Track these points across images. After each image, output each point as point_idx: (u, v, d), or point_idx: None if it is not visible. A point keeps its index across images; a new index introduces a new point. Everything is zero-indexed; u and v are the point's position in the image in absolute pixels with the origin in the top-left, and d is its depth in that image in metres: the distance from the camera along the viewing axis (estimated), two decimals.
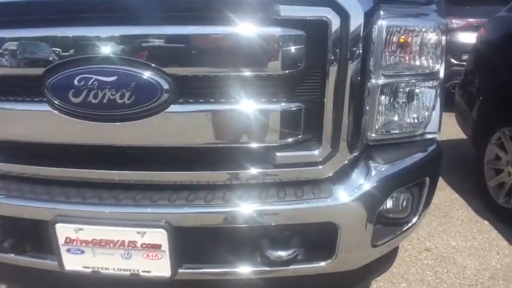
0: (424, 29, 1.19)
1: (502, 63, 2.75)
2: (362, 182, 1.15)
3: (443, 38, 1.23)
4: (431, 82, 1.27)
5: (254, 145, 1.10)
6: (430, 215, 2.77)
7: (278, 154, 1.11)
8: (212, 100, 1.07)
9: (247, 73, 1.04)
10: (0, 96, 1.13)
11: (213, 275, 1.19)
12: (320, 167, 1.13)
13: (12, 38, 1.05)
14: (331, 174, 1.15)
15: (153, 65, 1.01)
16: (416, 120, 1.29)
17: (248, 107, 1.06)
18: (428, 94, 1.28)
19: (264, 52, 1.01)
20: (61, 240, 1.13)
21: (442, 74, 1.30)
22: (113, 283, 1.23)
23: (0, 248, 1.26)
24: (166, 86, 1.03)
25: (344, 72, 1.04)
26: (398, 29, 1.16)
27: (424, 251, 2.37)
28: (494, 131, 2.73)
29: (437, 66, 1.26)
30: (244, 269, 1.16)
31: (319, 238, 1.17)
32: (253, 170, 1.12)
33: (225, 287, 1.25)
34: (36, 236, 1.19)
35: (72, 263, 1.16)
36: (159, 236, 1.09)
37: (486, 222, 2.66)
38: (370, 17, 1.07)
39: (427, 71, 1.25)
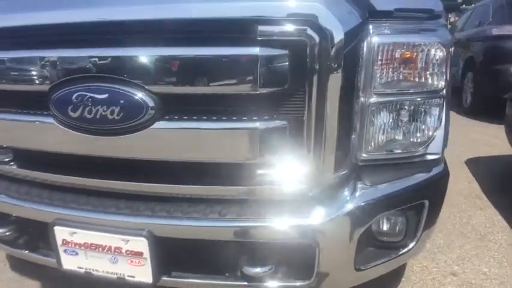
0: (421, 46, 1.14)
1: None
2: (344, 203, 1.12)
3: (444, 54, 1.17)
4: (430, 101, 1.21)
5: (234, 162, 1.12)
6: (464, 236, 2.59)
7: (258, 171, 1.12)
8: (195, 118, 1.11)
9: (228, 92, 1.06)
10: (16, 109, 1.27)
11: (194, 285, 1.22)
12: (301, 186, 1.12)
13: (23, 58, 1.18)
14: (315, 194, 1.14)
15: (139, 84, 1.08)
16: (413, 141, 1.23)
17: (229, 125, 1.09)
18: (427, 114, 1.22)
19: (244, 72, 1.03)
20: (59, 241, 1.24)
21: (445, 92, 1.24)
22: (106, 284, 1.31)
23: (15, 245, 1.41)
24: (151, 104, 1.09)
25: (323, 91, 1.03)
26: (391, 46, 1.12)
27: (449, 276, 2.22)
28: None
29: (437, 84, 1.19)
30: (223, 283, 1.18)
31: (298, 258, 1.16)
32: (233, 186, 1.14)
33: None
34: (42, 236, 1.31)
35: (69, 263, 1.26)
36: (141, 244, 1.15)
37: None
38: (355, 35, 1.05)
39: (425, 89, 1.19)
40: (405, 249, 1.29)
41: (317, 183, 1.11)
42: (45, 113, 1.20)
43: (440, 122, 1.25)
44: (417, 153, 1.25)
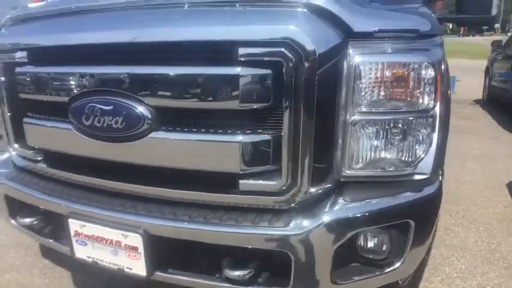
0: (405, 65, 1.17)
1: None
2: (321, 217, 1.18)
3: (433, 73, 1.19)
4: (417, 121, 1.23)
5: (219, 171, 1.22)
6: (489, 263, 2.46)
7: (241, 181, 1.21)
8: (185, 129, 1.23)
9: (212, 107, 1.17)
10: (47, 116, 1.48)
11: (184, 282, 1.33)
12: (279, 197, 1.19)
13: (48, 73, 1.38)
14: (292, 205, 1.20)
15: (138, 98, 1.22)
16: (399, 160, 1.25)
17: (214, 137, 1.20)
18: (413, 134, 1.24)
19: (227, 89, 1.13)
20: (72, 232, 1.41)
21: (437, 112, 1.25)
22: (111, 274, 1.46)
23: (40, 233, 1.62)
24: (149, 116, 1.23)
25: (299, 108, 1.10)
26: (372, 65, 1.16)
27: None
28: None
29: (424, 104, 1.21)
30: (207, 283, 1.28)
31: (277, 266, 1.23)
32: (219, 194, 1.24)
33: None
34: (61, 227, 1.49)
35: (80, 252, 1.43)
36: (136, 240, 1.29)
37: None
38: (332, 55, 1.11)
39: (411, 109, 1.21)
40: (390, 268, 1.30)
41: (294, 196, 1.18)
42: (65, 120, 1.39)
43: (431, 142, 1.26)
44: (403, 173, 1.26)
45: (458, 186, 3.72)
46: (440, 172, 1.40)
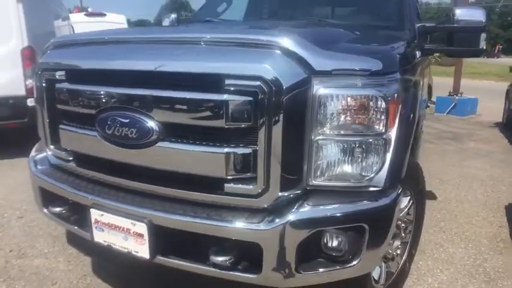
0: (357, 97, 1.44)
1: None
2: (287, 216, 1.45)
3: (383, 105, 1.45)
4: (370, 142, 1.49)
5: (209, 175, 1.52)
6: (471, 276, 2.63)
7: (226, 185, 1.51)
8: (184, 141, 1.54)
9: (204, 124, 1.48)
10: (78, 124, 1.83)
11: (180, 266, 1.63)
12: (255, 199, 1.48)
13: (81, 90, 1.73)
14: (265, 206, 1.49)
15: (148, 114, 1.55)
16: (355, 174, 1.52)
17: (205, 148, 1.50)
18: (368, 153, 1.50)
19: (216, 111, 1.43)
20: (93, 220, 1.74)
21: (391, 135, 1.51)
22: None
23: (67, 221, 1.96)
24: (156, 129, 1.55)
25: (270, 128, 1.39)
26: (330, 96, 1.43)
27: None
28: None
29: (376, 129, 1.47)
30: (197, 266, 1.58)
31: (252, 255, 1.51)
32: (208, 194, 1.54)
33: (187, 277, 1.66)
34: (83, 215, 1.83)
35: (98, 236, 1.76)
36: (142, 228, 1.60)
37: None
38: (298, 87, 1.39)
39: (364, 132, 1.48)
40: (349, 265, 1.55)
41: (267, 199, 1.46)
42: (92, 128, 1.73)
43: (383, 161, 1.52)
44: (360, 185, 1.52)
45: (458, 206, 3.86)
46: (400, 187, 1.65)
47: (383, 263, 2.17)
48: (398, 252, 2.30)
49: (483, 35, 2.71)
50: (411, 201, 2.27)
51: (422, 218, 2.53)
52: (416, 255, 2.79)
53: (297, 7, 3.19)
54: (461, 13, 2.68)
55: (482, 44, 2.74)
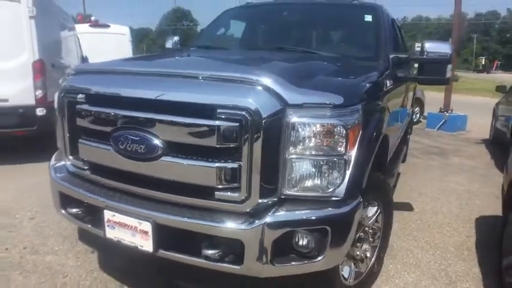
0: (323, 125, 1.81)
1: None
2: (264, 219, 1.81)
3: (343, 131, 1.82)
4: (332, 161, 1.86)
5: (202, 184, 1.88)
6: (434, 279, 2.97)
7: (216, 192, 1.87)
8: (183, 156, 1.90)
9: (200, 144, 1.84)
10: (95, 139, 2.20)
11: (177, 258, 1.98)
12: (239, 205, 1.84)
13: (99, 111, 2.10)
14: (247, 210, 1.84)
15: (154, 133, 1.91)
16: (321, 187, 1.88)
17: (200, 163, 1.86)
18: (331, 170, 1.87)
19: (209, 133, 1.80)
20: (105, 219, 2.10)
21: (351, 156, 1.88)
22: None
23: (83, 221, 2.32)
24: (160, 146, 1.91)
25: (251, 148, 1.75)
26: (301, 124, 1.80)
27: None
28: None
29: (337, 150, 1.84)
30: (190, 258, 1.93)
31: (236, 250, 1.86)
32: (202, 199, 1.90)
33: (184, 266, 2.00)
34: (97, 215, 2.18)
35: (109, 233, 2.11)
36: (147, 227, 1.95)
37: None
38: (275, 116, 1.76)
39: (327, 153, 1.84)
40: (315, 260, 1.90)
41: (248, 204, 1.82)
42: (107, 143, 2.10)
43: (344, 176, 1.88)
44: (324, 195, 1.89)
45: (432, 217, 4.22)
46: (360, 197, 2.00)
47: (352, 264, 2.52)
48: (368, 255, 2.65)
49: (449, 66, 3.11)
50: (379, 211, 2.62)
51: (390, 226, 2.88)
52: (387, 259, 3.15)
53: (283, 38, 3.61)
54: (430, 46, 3.09)
55: (449, 74, 3.14)
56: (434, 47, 3.09)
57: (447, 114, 10.64)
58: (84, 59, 9.16)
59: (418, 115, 11.63)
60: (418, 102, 11.32)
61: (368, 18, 3.45)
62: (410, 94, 5.71)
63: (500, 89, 8.68)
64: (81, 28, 11.32)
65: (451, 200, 4.83)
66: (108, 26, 13.47)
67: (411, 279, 2.95)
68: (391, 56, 3.14)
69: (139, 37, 74.74)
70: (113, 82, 2.12)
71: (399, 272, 3.04)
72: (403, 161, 6.54)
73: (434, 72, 3.07)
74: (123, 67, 2.19)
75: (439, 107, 11.02)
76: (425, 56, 3.08)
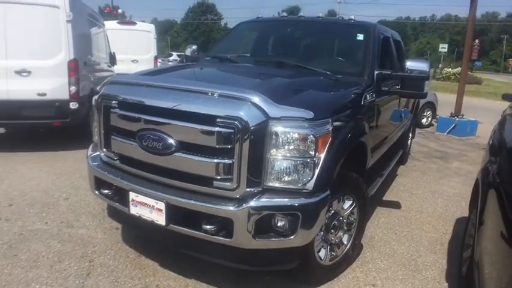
0: (296, 133, 2.35)
1: None
2: (249, 203, 2.36)
3: (313, 139, 2.36)
4: (306, 161, 2.40)
5: (205, 175, 2.46)
6: (403, 266, 3.45)
7: (214, 182, 2.44)
8: (191, 153, 2.48)
9: (203, 144, 2.41)
10: (124, 136, 2.80)
11: (183, 231, 2.57)
12: (231, 192, 2.41)
13: (128, 115, 2.71)
14: (237, 196, 2.41)
15: (170, 134, 2.50)
16: (295, 180, 2.42)
17: (203, 158, 2.44)
18: (304, 168, 2.41)
19: (210, 136, 2.37)
20: (130, 199, 2.71)
21: (320, 157, 2.41)
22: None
23: (112, 200, 2.94)
24: (174, 144, 2.50)
25: (241, 149, 2.31)
26: (280, 132, 2.34)
27: (369, 285, 3.16)
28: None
29: (307, 153, 2.38)
30: (192, 231, 2.51)
31: (228, 226, 2.43)
32: (203, 187, 2.48)
33: (188, 239, 2.59)
34: (123, 196, 2.80)
35: (133, 210, 2.72)
36: (161, 205, 2.55)
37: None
38: (261, 126, 2.31)
39: (300, 155, 2.38)
40: (288, 238, 2.45)
41: (238, 192, 2.38)
42: (133, 140, 2.70)
43: (313, 173, 2.42)
44: (297, 187, 2.43)
45: (416, 215, 4.67)
46: (328, 191, 2.53)
47: (328, 247, 3.05)
48: (345, 242, 3.18)
49: (427, 82, 3.60)
50: (354, 204, 3.14)
51: (365, 218, 3.39)
52: (366, 248, 3.67)
53: (284, 52, 4.16)
54: (410, 64, 3.57)
55: (426, 89, 3.62)
56: (415, 65, 3.57)
57: (457, 119, 10.86)
58: (112, 56, 9.87)
59: (429, 118, 11.89)
60: (430, 105, 11.61)
61: (359, 37, 3.94)
62: (411, 102, 6.13)
63: (507, 97, 8.84)
64: (110, 25, 12.05)
65: (439, 201, 5.25)
66: (135, 24, 14.24)
67: (383, 265, 3.45)
68: (376, 72, 3.63)
69: (165, 30, 76.17)
70: (139, 93, 2.71)
71: (374, 259, 3.54)
72: (403, 163, 6.98)
73: (414, 87, 3.56)
74: (147, 81, 2.78)
75: (450, 112, 11.23)
76: (406, 73, 3.58)
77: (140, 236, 3.48)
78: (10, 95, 6.25)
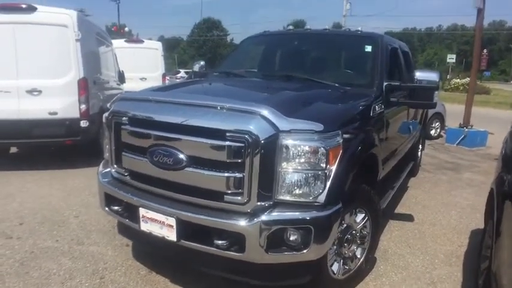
0: (307, 146, 2.34)
1: None
2: (261, 217, 2.34)
3: (323, 151, 2.34)
4: (315, 174, 2.37)
5: (215, 190, 2.45)
6: (415, 279, 3.38)
7: (225, 196, 2.42)
8: (202, 168, 2.47)
9: (214, 158, 2.41)
10: (135, 152, 2.82)
11: (194, 246, 2.54)
12: (242, 206, 2.39)
13: (138, 131, 2.72)
14: (248, 211, 2.39)
15: (180, 149, 2.50)
16: (306, 193, 2.40)
17: (214, 173, 2.43)
18: (315, 180, 2.39)
19: (221, 151, 2.37)
20: (140, 215, 2.70)
21: (332, 170, 2.39)
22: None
23: (122, 216, 2.93)
24: (184, 159, 2.50)
25: (252, 163, 2.30)
26: (290, 144, 2.33)
27: None
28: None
29: (319, 166, 2.36)
30: (203, 247, 2.49)
31: (239, 241, 2.40)
32: (214, 201, 2.46)
33: (198, 254, 2.56)
34: (133, 212, 2.79)
35: (143, 226, 2.71)
36: (172, 221, 2.53)
37: None
38: (271, 139, 2.30)
39: (311, 168, 2.36)
40: (301, 252, 2.42)
41: (249, 206, 2.36)
42: (144, 156, 2.71)
43: (325, 186, 2.40)
44: (309, 201, 2.40)
45: (430, 228, 4.58)
46: (341, 204, 2.50)
47: (341, 261, 3.00)
48: (358, 255, 3.12)
49: (436, 93, 3.58)
50: (366, 218, 3.09)
51: (378, 230, 3.33)
52: (380, 261, 3.60)
53: (292, 66, 4.19)
54: (420, 75, 3.57)
55: (436, 99, 3.60)
56: (424, 76, 3.56)
57: (466, 129, 10.75)
58: (120, 74, 10.01)
59: (438, 130, 11.78)
60: (439, 116, 11.52)
61: (368, 48, 3.95)
62: (419, 113, 6.07)
63: None
64: (118, 43, 12.24)
65: (452, 213, 5.15)
66: (142, 42, 14.46)
67: (397, 279, 3.37)
68: (385, 84, 3.62)
69: (171, 47, 77.37)
70: (149, 109, 2.73)
71: (388, 273, 3.47)
72: (414, 175, 6.89)
73: (423, 97, 3.54)
74: (156, 97, 2.81)
75: (459, 123, 11.13)
76: (415, 84, 3.56)
77: (151, 253, 3.45)
78: (21, 114, 6.34)
